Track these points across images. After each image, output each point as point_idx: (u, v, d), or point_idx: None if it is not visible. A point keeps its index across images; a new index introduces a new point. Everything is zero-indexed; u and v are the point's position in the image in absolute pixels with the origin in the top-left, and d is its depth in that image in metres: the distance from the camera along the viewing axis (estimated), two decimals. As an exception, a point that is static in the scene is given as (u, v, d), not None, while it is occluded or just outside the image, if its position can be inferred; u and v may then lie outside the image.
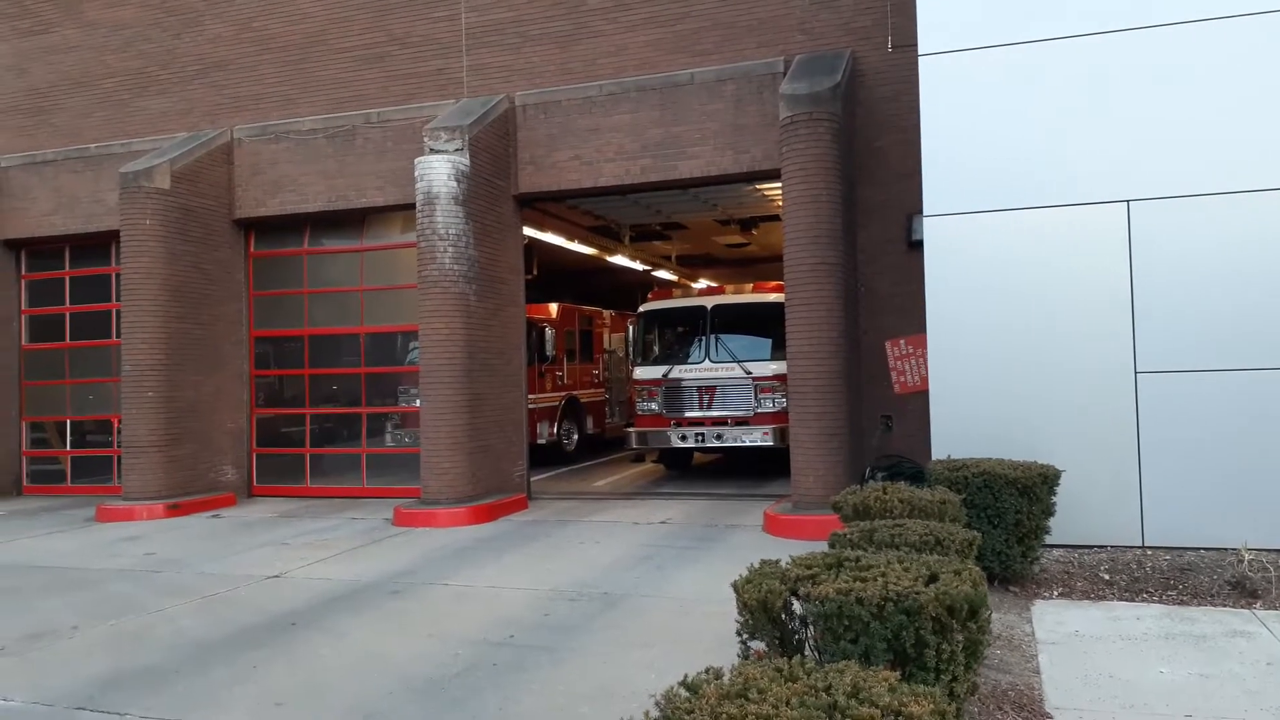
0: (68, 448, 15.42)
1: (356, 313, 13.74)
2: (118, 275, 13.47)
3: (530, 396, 13.73)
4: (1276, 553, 7.28)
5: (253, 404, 14.17)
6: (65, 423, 15.43)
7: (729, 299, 14.83)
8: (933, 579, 3.82)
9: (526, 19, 12.61)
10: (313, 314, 14.04)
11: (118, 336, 13.30)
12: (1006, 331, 8.44)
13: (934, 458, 7.97)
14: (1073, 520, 7.74)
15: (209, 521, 11.89)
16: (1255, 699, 4.75)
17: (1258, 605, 6.46)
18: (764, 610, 3.81)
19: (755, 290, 15.07)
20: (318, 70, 13.62)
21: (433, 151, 11.44)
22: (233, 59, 14.07)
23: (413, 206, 11.69)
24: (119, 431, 13.44)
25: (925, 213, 8.71)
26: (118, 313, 13.47)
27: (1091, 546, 8.00)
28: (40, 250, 15.36)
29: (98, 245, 14.84)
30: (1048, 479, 7.10)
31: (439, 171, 11.30)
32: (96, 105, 14.83)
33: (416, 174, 11.47)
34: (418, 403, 11.89)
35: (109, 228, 13.96)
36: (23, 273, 15.55)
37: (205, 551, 9.79)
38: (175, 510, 12.33)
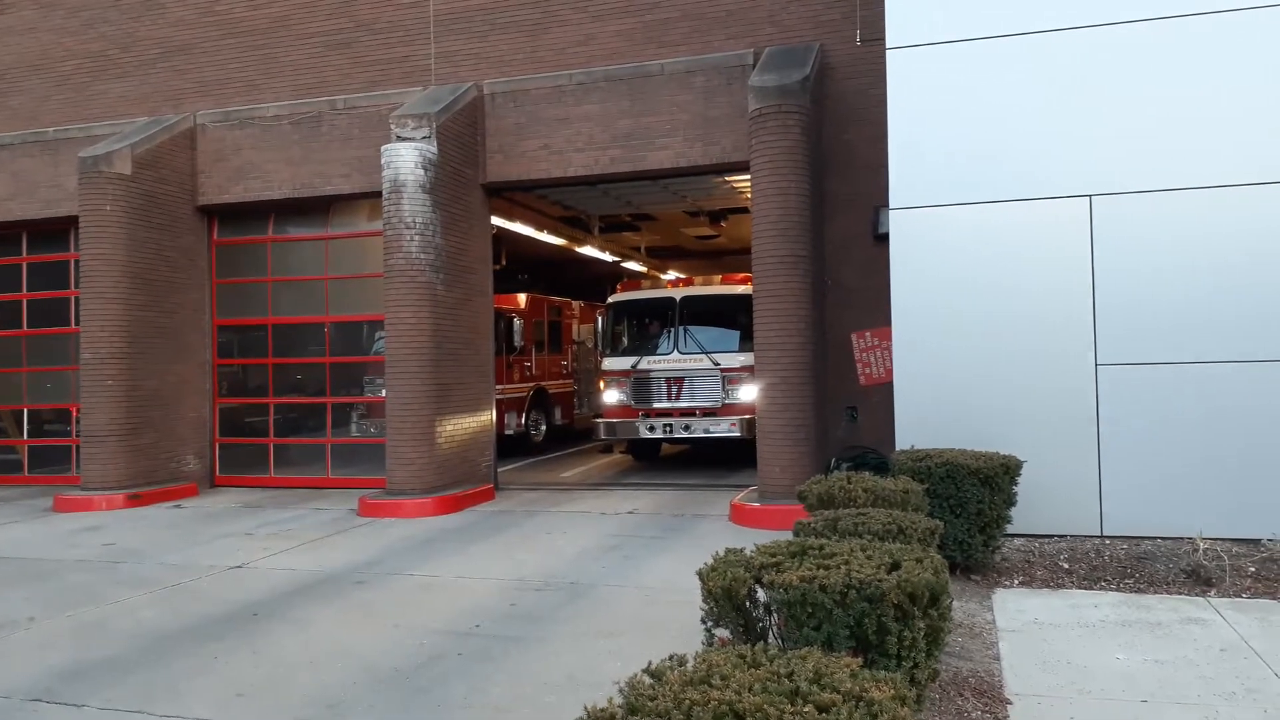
0: (25, 437, 15.12)
1: (321, 301, 13.60)
2: (77, 261, 13.21)
3: (498, 387, 13.68)
4: (1231, 542, 7.46)
5: (215, 393, 13.99)
6: (22, 411, 15.13)
7: (697, 291, 14.86)
8: (895, 567, 3.87)
9: (495, 6, 12.52)
10: (277, 302, 13.87)
11: (77, 324, 13.04)
12: (970, 324, 8.54)
13: (898, 448, 8.04)
14: (1034, 510, 7.86)
15: (171, 512, 11.73)
16: (1209, 684, 4.85)
17: (1212, 593, 6.59)
18: (728, 598, 3.83)
19: (724, 282, 15.10)
20: (282, 55, 13.43)
21: (400, 139, 11.33)
22: (195, 43, 13.84)
23: (379, 194, 11.57)
24: (78, 420, 13.21)
25: (891, 205, 8.78)
26: (77, 299, 13.21)
27: (1052, 536, 8.13)
28: (-4, 236, 15.05)
29: (56, 231, 14.51)
30: (1009, 469, 7.20)
31: (406, 159, 11.19)
32: (55, 88, 14.53)
33: (383, 161, 11.35)
34: (383, 393, 11.80)
35: (68, 213, 13.67)
36: (-22, 259, 15.24)
37: (167, 542, 9.66)
38: (136, 500, 12.15)
